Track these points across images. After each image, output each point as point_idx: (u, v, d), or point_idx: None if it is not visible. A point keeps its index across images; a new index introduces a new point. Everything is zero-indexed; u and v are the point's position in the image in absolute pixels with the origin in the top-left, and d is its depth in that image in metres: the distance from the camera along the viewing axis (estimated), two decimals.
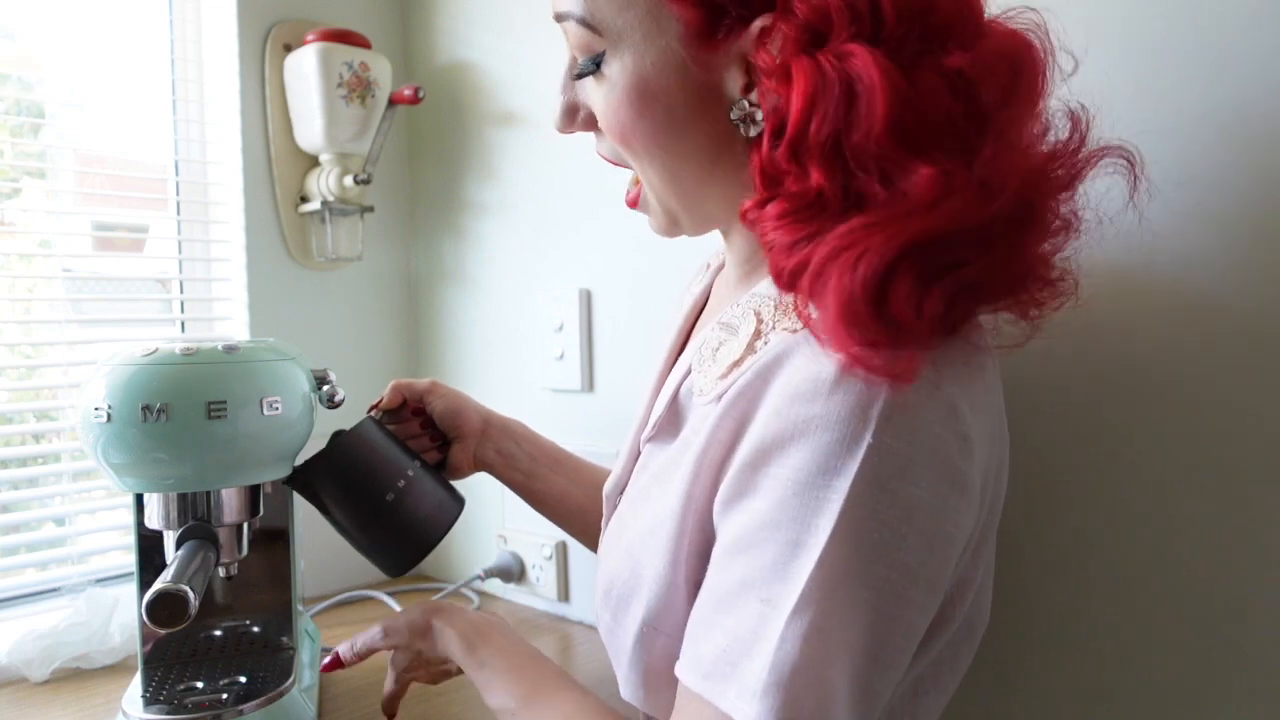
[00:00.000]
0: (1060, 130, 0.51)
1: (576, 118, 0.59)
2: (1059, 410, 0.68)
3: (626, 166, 0.59)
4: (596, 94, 0.55)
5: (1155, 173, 0.62)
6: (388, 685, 0.78)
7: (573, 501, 0.88)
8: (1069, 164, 0.50)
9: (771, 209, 0.48)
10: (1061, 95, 0.52)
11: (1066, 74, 0.53)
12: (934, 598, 0.47)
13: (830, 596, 0.43)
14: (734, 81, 0.51)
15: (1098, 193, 0.55)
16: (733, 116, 0.52)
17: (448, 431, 0.88)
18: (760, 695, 0.43)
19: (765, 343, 0.51)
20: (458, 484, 0.86)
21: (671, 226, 0.60)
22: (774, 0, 0.48)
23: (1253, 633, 0.60)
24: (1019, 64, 0.49)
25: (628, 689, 0.56)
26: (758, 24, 0.49)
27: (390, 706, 0.79)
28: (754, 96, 0.51)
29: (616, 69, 0.53)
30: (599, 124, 0.57)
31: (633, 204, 0.62)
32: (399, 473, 0.79)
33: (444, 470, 0.87)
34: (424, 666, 0.76)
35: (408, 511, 0.78)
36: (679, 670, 0.49)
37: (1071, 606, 0.68)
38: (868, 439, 0.43)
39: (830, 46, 0.46)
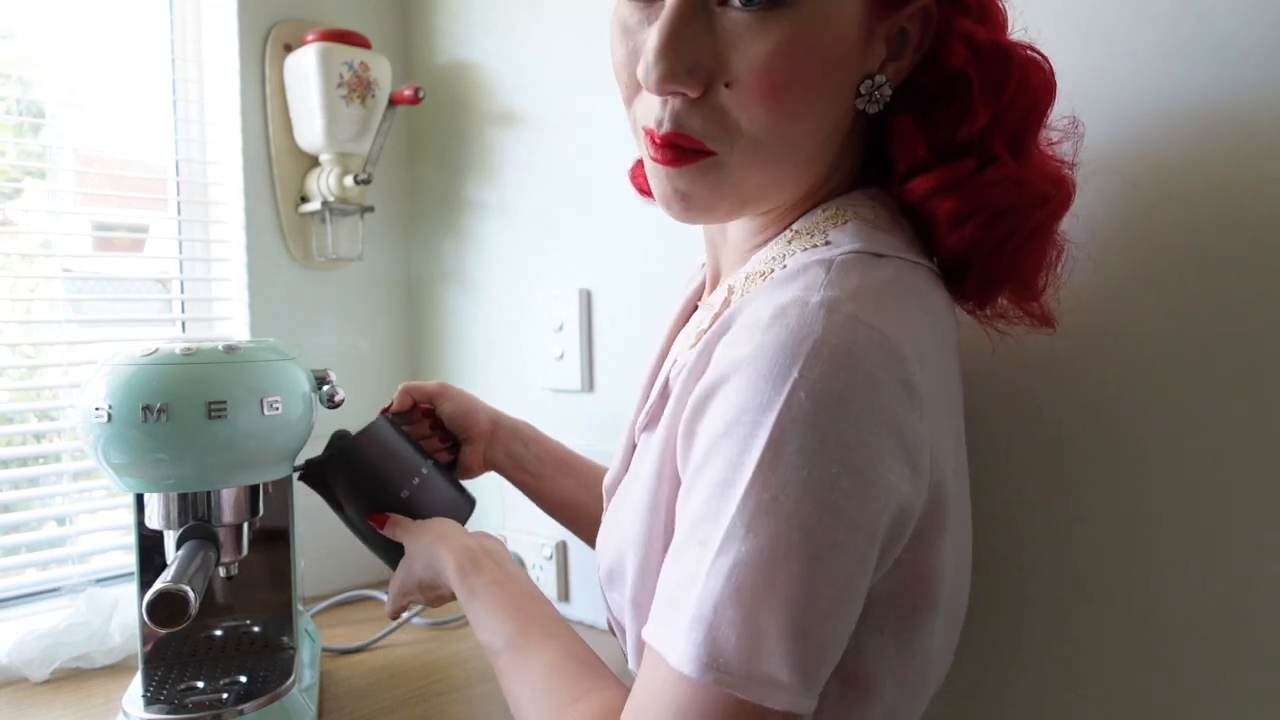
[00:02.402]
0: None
1: (698, 74, 0.48)
2: (1050, 405, 0.68)
3: (700, 150, 0.51)
4: (763, 36, 0.47)
5: (1135, 171, 0.63)
6: (389, 604, 0.80)
7: (580, 504, 0.89)
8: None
9: (942, 178, 0.52)
10: None
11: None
12: (871, 548, 0.44)
13: (755, 535, 0.42)
14: (876, 55, 0.52)
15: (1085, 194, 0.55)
16: (863, 90, 0.52)
17: (457, 433, 0.89)
18: (686, 631, 0.43)
19: (730, 308, 0.52)
20: (467, 484, 0.87)
21: (731, 208, 0.54)
22: None
23: (1245, 632, 0.60)
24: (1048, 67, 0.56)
25: (631, 663, 0.57)
26: (920, 3, 0.51)
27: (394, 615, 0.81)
28: (890, 72, 0.52)
29: (810, 12, 0.47)
30: (748, 73, 0.48)
31: (675, 163, 0.51)
32: (413, 471, 0.80)
33: (455, 471, 0.88)
34: (420, 591, 0.76)
35: (421, 509, 0.79)
36: (643, 629, 0.48)
37: (1066, 605, 0.68)
38: (794, 374, 0.43)
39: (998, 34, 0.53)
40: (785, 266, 0.50)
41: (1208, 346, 0.61)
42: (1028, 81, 0.52)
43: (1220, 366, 0.60)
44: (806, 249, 0.51)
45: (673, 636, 0.44)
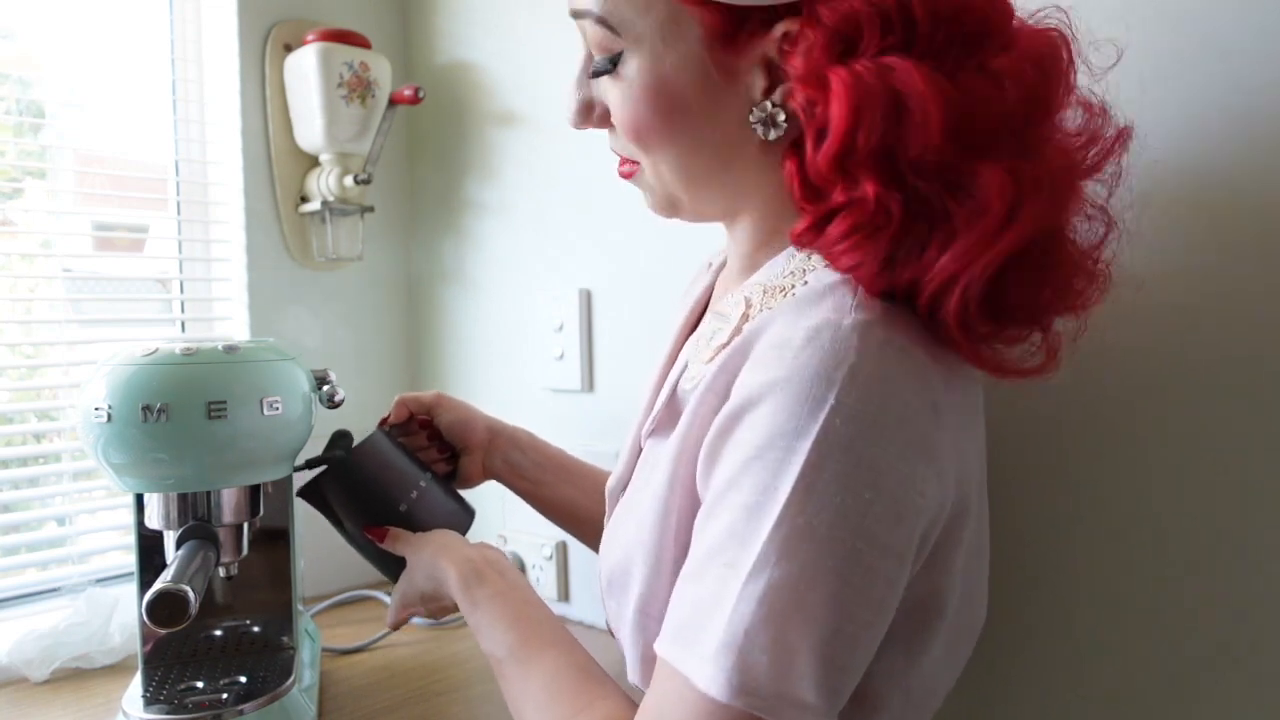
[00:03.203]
0: (1082, 120, 0.52)
1: (592, 114, 0.59)
2: (1052, 405, 0.68)
3: (636, 162, 0.59)
4: (613, 92, 0.55)
5: (1153, 170, 0.62)
6: (391, 616, 0.79)
7: (580, 509, 0.89)
8: (1099, 153, 0.52)
9: (834, 230, 0.48)
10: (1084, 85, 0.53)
11: (1099, 70, 0.54)
12: (902, 572, 0.45)
13: (788, 560, 0.42)
14: (755, 84, 0.51)
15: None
16: (752, 119, 0.52)
17: (455, 443, 0.88)
18: (714, 657, 0.43)
19: (751, 323, 0.51)
20: (466, 494, 0.87)
21: (670, 211, 0.61)
22: (798, 5, 0.48)
23: (1246, 633, 0.60)
24: (1057, 55, 0.50)
25: (631, 672, 0.57)
26: (781, 28, 0.49)
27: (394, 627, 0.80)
28: (776, 98, 0.51)
29: (634, 69, 0.53)
30: (613, 121, 0.57)
31: (626, 176, 0.61)
32: (411, 484, 0.80)
33: (453, 481, 0.88)
34: (423, 603, 0.76)
35: (420, 522, 0.78)
36: (656, 644, 0.48)
37: (1069, 607, 0.68)
38: (830, 400, 0.43)
39: (864, 55, 0.46)
40: (806, 283, 0.50)
41: (1209, 348, 0.61)
42: (870, 110, 0.46)
43: (1222, 368, 0.60)
44: (827, 265, 0.51)
45: (698, 659, 0.44)
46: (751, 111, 0.52)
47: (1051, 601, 0.68)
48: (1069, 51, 0.51)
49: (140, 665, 0.82)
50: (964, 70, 0.46)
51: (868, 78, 0.45)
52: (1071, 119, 0.52)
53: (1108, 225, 0.53)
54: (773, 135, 0.51)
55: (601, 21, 0.53)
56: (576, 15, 0.55)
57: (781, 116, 0.51)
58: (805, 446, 0.43)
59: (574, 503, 0.89)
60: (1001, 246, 0.44)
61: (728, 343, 0.52)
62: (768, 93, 0.51)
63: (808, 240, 0.50)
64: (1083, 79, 0.53)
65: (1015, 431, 0.69)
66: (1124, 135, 0.52)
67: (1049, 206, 0.46)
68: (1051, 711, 0.69)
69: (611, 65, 0.54)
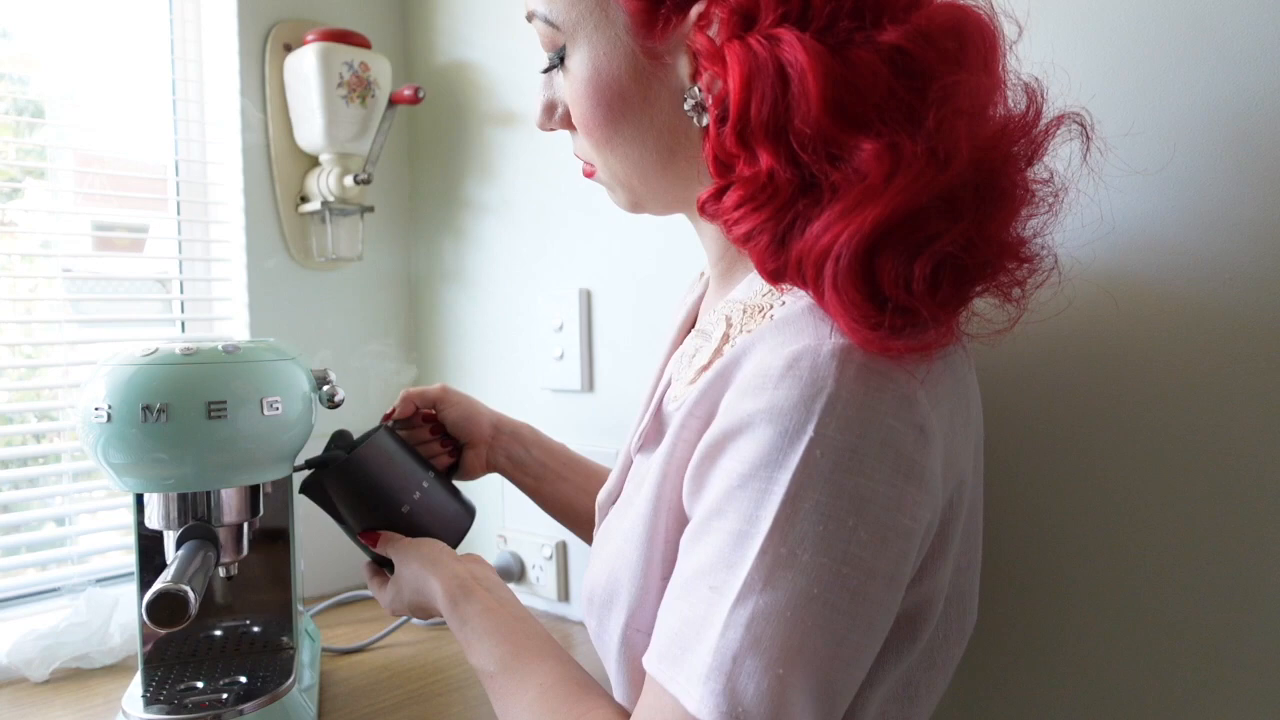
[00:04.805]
0: (1017, 104, 0.50)
1: (554, 114, 0.61)
2: (1049, 413, 0.68)
3: (594, 165, 0.61)
4: (564, 88, 0.58)
5: (1121, 159, 0.62)
6: (381, 603, 0.79)
7: (579, 506, 0.89)
8: (1028, 136, 0.49)
9: (728, 199, 0.49)
10: (1015, 69, 0.50)
11: (1013, 40, 0.51)
12: (893, 593, 0.45)
13: (773, 587, 0.43)
14: (684, 69, 0.52)
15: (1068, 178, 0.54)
16: (686, 106, 0.53)
17: (459, 438, 0.89)
18: (704, 680, 0.43)
19: (731, 346, 0.51)
20: (467, 486, 0.87)
21: (634, 206, 0.62)
22: None
23: (1240, 633, 0.60)
24: (962, 32, 0.48)
25: (618, 691, 0.57)
26: (695, 9, 0.50)
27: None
28: (703, 83, 0.51)
29: (575, 61, 0.55)
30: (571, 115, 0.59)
31: (589, 175, 0.63)
32: (415, 484, 0.80)
33: (455, 475, 0.88)
34: (410, 611, 0.75)
35: (423, 523, 0.78)
36: (644, 659, 0.48)
37: (1059, 609, 0.68)
38: (809, 432, 0.43)
39: (760, 29, 0.47)
40: (784, 303, 0.50)
41: (1204, 349, 0.61)
42: (771, 81, 0.46)
43: (1216, 369, 0.60)
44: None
45: (688, 682, 0.44)
46: (685, 99, 0.53)
47: (1041, 601, 0.68)
48: (981, 29, 0.48)
49: (140, 665, 0.82)
50: (852, 44, 0.45)
51: (758, 49, 0.46)
52: (1011, 102, 0.50)
53: (1036, 207, 0.50)
54: (704, 120, 0.52)
55: (545, 19, 0.56)
56: (529, 18, 0.58)
57: (709, 101, 0.51)
58: (785, 478, 0.43)
59: (574, 500, 0.89)
60: (868, 216, 0.43)
61: (708, 364, 0.52)
62: (696, 78, 0.52)
63: (710, 210, 0.51)
64: (1036, 67, 0.51)
65: (1008, 433, 0.69)
66: (1060, 121, 0.50)
67: (928, 182, 0.43)
68: (1047, 713, 0.69)
69: (559, 60, 0.57)
